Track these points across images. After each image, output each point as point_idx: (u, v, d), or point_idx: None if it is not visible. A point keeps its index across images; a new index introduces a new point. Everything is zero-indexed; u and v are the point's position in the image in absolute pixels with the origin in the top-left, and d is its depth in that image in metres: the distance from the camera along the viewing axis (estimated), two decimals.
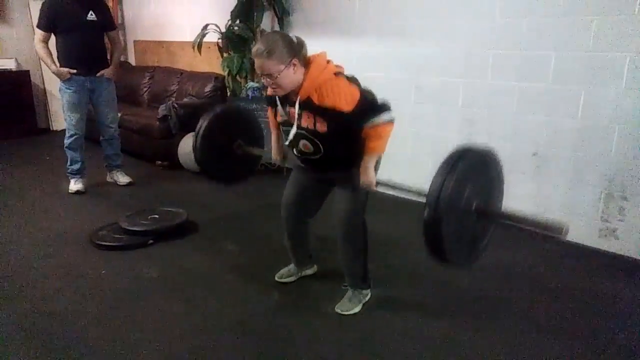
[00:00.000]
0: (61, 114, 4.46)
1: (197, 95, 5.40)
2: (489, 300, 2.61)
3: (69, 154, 4.22)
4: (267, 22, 4.96)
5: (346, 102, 2.01)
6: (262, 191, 4.24)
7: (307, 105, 2.07)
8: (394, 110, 2.09)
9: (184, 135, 4.93)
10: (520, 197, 3.49)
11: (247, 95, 4.88)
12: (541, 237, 3.40)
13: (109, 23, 4.22)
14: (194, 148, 2.63)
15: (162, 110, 4.99)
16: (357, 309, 2.40)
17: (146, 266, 2.91)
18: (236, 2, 4.86)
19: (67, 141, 4.19)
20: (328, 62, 2.12)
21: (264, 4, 4.80)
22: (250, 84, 4.89)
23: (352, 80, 2.12)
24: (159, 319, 2.38)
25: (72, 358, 2.08)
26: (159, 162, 5.13)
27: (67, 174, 4.28)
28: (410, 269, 2.91)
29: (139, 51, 6.99)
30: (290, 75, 2.02)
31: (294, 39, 2.07)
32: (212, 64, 5.74)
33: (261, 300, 2.57)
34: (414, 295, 2.63)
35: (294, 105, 2.10)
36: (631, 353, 2.17)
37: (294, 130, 2.14)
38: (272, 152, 2.57)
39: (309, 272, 2.78)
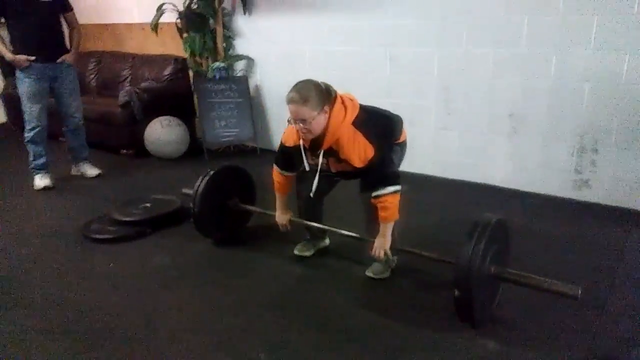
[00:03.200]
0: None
1: (156, 79, 5.20)
2: None
3: (32, 148, 3.95)
4: None
5: (359, 159, 2.19)
6: None
7: (330, 154, 2.26)
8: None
9: (149, 121, 4.75)
10: (498, 156, 3.74)
11: (214, 76, 4.76)
12: (516, 192, 3.67)
13: (65, 4, 3.93)
14: (192, 209, 2.75)
15: (122, 96, 4.77)
16: (387, 273, 2.49)
17: (155, 255, 2.83)
18: None
19: (28, 135, 3.91)
20: (345, 106, 2.21)
21: None
22: (216, 64, 4.78)
23: (369, 128, 2.21)
24: (191, 304, 2.34)
25: (112, 350, 2.01)
26: (124, 150, 4.91)
27: (32, 170, 4.01)
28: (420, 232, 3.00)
29: None
30: (322, 121, 2.16)
31: (324, 86, 2.18)
32: (166, 45, 5.52)
33: (288, 275, 2.59)
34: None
35: (317, 156, 2.29)
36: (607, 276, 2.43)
37: (317, 179, 2.36)
38: (279, 216, 2.66)
39: (324, 244, 2.83)
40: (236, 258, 2.80)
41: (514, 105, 3.58)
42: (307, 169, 2.38)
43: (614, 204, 3.31)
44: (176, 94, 5.10)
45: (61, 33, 3.95)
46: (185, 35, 4.94)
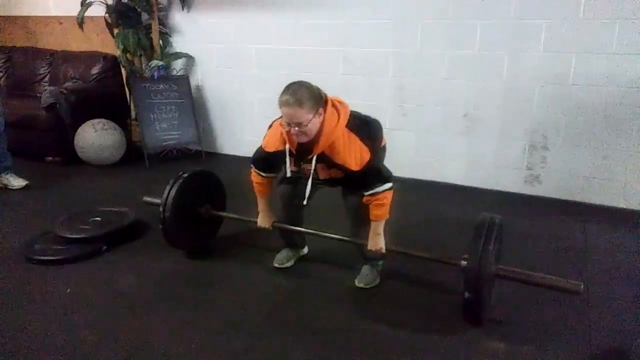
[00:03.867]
0: None
1: (82, 79, 4.75)
2: (447, 247, 2.69)
3: None
4: None
5: (355, 162, 2.13)
6: None
7: (322, 159, 2.17)
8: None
9: (77, 125, 4.32)
10: (453, 155, 3.84)
11: (152, 76, 4.43)
12: (471, 190, 3.79)
13: None
14: (163, 219, 2.53)
15: (46, 97, 4.28)
16: (377, 281, 2.44)
17: (118, 276, 2.54)
18: None
19: None
20: (337, 110, 2.13)
21: None
22: (155, 62, 4.45)
23: (363, 130, 2.17)
24: (176, 331, 2.11)
25: None
26: (50, 157, 4.42)
27: None
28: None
29: None
30: (316, 124, 2.07)
31: (316, 88, 2.09)
32: (91, 41, 5.08)
33: (275, 289, 2.45)
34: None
35: (308, 161, 2.19)
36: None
37: (309, 186, 2.25)
38: (261, 220, 2.53)
39: (304, 252, 2.72)
40: (213, 273, 2.59)
41: (468, 105, 3.69)
42: (289, 175, 2.27)
43: (563, 198, 3.52)
44: (107, 95, 4.68)
45: None
46: (116, 31, 4.55)
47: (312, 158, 2.16)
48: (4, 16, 5.56)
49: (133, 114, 4.74)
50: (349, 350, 1.97)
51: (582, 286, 1.93)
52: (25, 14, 5.50)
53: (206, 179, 2.80)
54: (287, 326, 2.14)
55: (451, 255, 2.19)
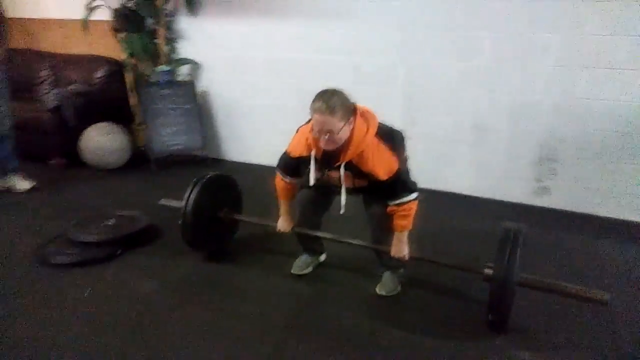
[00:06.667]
0: None
1: (86, 82, 4.67)
2: (460, 256, 2.74)
3: None
4: None
5: (384, 172, 2.13)
6: None
7: (348, 168, 2.16)
8: None
9: (82, 128, 4.27)
10: (462, 164, 3.87)
11: (158, 81, 4.40)
12: (480, 200, 3.82)
13: None
14: (184, 220, 2.53)
15: (52, 100, 4.23)
16: (399, 289, 2.44)
17: (138, 279, 2.51)
18: None
19: None
20: (367, 119, 2.15)
21: None
22: (161, 67, 4.42)
23: (391, 140, 2.19)
24: (199, 337, 2.08)
25: None
26: (54, 160, 4.35)
27: None
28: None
29: None
30: (347, 132, 2.07)
31: (348, 98, 2.09)
32: (93, 45, 5.01)
33: (295, 295, 2.43)
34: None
35: (334, 169, 2.18)
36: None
37: (344, 195, 2.24)
38: (282, 223, 2.52)
39: (322, 258, 2.71)
40: (232, 278, 2.57)
41: (478, 116, 3.73)
42: (312, 182, 2.26)
43: (574, 210, 3.56)
44: (111, 99, 4.63)
45: None
46: (122, 35, 4.52)
47: (338, 166, 2.16)
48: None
49: (137, 118, 4.69)
50: (372, 356, 1.97)
51: (608, 296, 1.94)
52: (25, 15, 5.43)
53: (225, 182, 2.79)
54: (310, 333, 2.14)
55: (471, 263, 2.21)
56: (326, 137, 2.04)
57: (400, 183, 2.18)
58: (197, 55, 4.66)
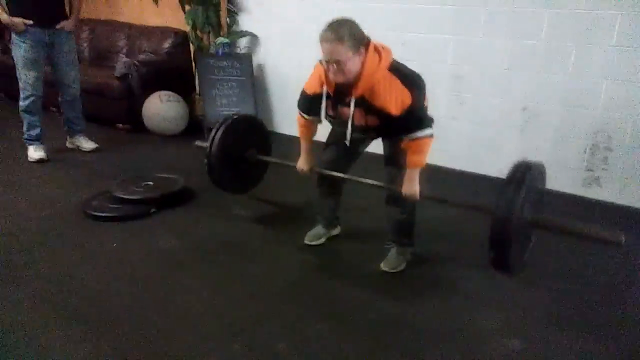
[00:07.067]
0: None
1: (154, 52, 5.00)
2: None
3: (27, 118, 3.77)
4: None
5: (396, 106, 2.05)
6: None
7: (360, 104, 2.11)
8: None
9: (147, 96, 4.59)
10: (508, 149, 3.69)
11: (217, 52, 4.60)
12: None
13: None
14: (209, 163, 2.65)
15: (120, 68, 4.58)
16: (403, 266, 2.43)
17: (160, 236, 2.72)
18: None
19: (23, 103, 3.73)
20: (379, 52, 2.07)
21: None
22: (220, 39, 4.61)
23: (406, 77, 2.08)
24: (204, 290, 2.24)
25: (123, 335, 1.92)
26: (121, 125, 4.74)
27: (25, 141, 3.84)
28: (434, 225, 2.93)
29: None
30: (357, 63, 2.01)
31: (360, 29, 2.03)
32: (164, 16, 5.33)
33: (301, 264, 2.52)
34: (446, 250, 2.70)
35: (346, 105, 2.14)
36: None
37: (349, 130, 2.20)
38: (301, 162, 2.55)
39: (335, 232, 2.75)
40: (246, 241, 2.71)
41: (528, 98, 3.53)
42: (323, 118, 2.28)
43: (626, 204, 3.30)
44: (176, 69, 4.93)
45: None
46: (187, 7, 4.76)
47: (349, 101, 2.12)
48: None
49: (198, 88, 4.95)
50: (358, 328, 2.00)
51: (623, 237, 1.78)
52: None
53: (252, 124, 2.87)
54: (303, 299, 2.21)
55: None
56: (334, 67, 2.01)
57: (414, 118, 2.08)
58: (255, 28, 4.79)
